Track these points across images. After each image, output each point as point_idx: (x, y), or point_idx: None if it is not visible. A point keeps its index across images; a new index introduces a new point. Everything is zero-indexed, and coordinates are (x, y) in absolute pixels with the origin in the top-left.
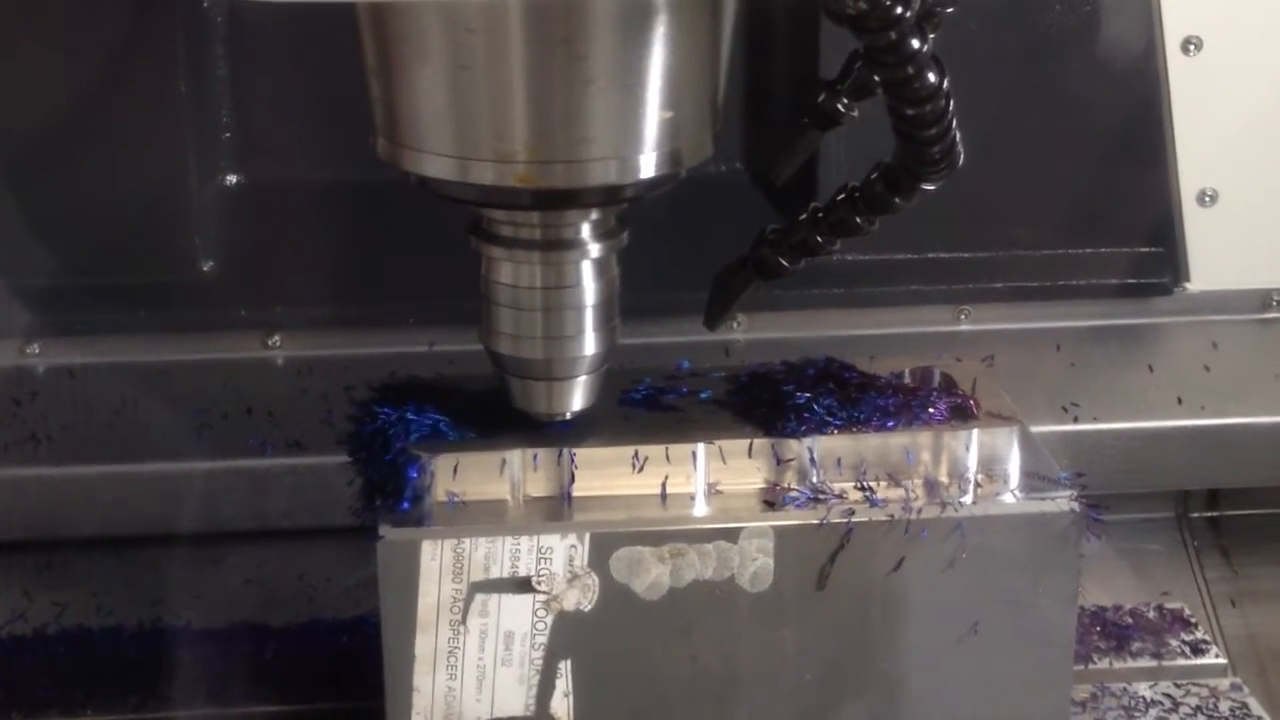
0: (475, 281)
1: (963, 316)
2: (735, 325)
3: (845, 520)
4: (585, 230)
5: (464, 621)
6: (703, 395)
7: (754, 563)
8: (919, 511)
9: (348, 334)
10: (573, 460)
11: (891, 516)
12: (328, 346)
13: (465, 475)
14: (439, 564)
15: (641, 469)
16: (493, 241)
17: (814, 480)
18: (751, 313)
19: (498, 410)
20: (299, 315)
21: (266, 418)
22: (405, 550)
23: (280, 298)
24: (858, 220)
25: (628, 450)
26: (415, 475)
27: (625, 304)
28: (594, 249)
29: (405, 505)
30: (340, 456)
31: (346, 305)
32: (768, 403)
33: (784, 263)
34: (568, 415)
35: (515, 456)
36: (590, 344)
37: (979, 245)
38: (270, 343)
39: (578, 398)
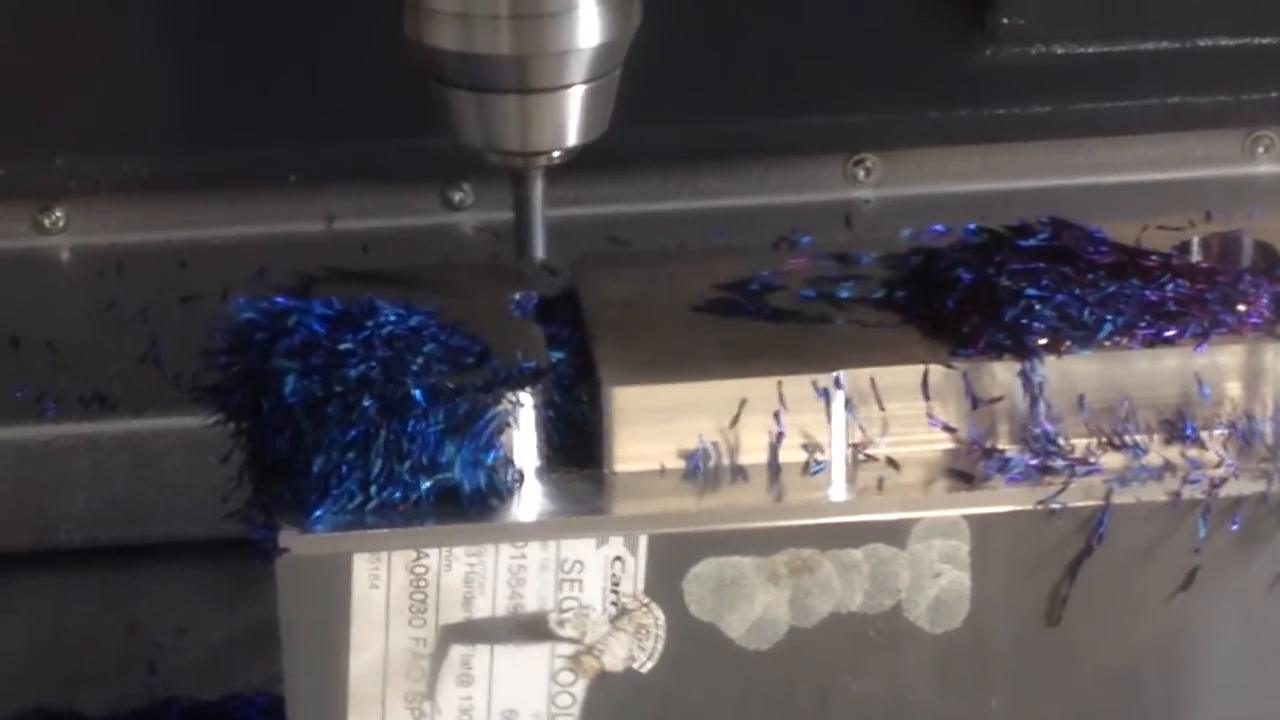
0: (412, 106)
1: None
2: (863, 174)
3: (1098, 504)
4: None
5: (431, 696)
6: (840, 291)
7: (936, 580)
8: (1225, 485)
9: (177, 203)
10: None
11: (1176, 495)
12: (144, 227)
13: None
14: (385, 593)
15: (736, 420)
16: None
17: (1039, 433)
18: (886, 152)
19: (485, 316)
20: (96, 171)
21: (44, 353)
22: (324, 571)
23: (63, 143)
24: None
25: (710, 388)
26: (353, 435)
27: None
28: None
29: (323, 495)
30: (183, 418)
31: (175, 153)
32: (954, 300)
33: None
34: (554, 156)
35: (528, 415)
36: (593, 27)
37: None
38: (48, 221)
39: (571, 123)
